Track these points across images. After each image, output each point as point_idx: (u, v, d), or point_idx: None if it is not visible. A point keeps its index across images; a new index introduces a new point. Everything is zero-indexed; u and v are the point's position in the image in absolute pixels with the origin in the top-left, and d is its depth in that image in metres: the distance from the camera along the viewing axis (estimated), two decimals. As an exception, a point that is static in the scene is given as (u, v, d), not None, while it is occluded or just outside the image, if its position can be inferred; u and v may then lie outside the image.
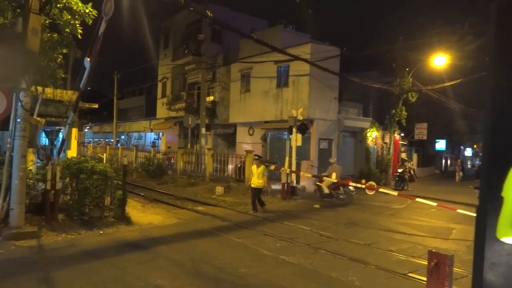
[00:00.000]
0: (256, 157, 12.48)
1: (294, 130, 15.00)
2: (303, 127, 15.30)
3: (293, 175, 14.95)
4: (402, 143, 25.73)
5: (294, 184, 15.20)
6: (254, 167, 12.02)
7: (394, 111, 21.73)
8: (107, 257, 6.62)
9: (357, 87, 22.43)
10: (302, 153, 17.28)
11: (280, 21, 21.81)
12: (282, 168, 14.46)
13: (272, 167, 15.53)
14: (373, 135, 22.19)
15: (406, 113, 21.92)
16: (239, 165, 17.46)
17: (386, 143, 22.84)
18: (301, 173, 15.26)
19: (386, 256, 7.42)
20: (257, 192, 11.84)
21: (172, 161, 21.92)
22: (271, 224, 10.08)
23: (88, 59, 8.01)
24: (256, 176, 11.79)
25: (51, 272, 5.79)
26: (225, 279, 5.74)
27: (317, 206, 13.25)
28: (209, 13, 13.91)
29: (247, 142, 20.87)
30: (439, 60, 19.51)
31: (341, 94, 19.45)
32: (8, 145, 7.67)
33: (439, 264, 3.00)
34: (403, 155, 24.36)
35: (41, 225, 8.03)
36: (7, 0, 7.52)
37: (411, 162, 25.57)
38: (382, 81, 21.99)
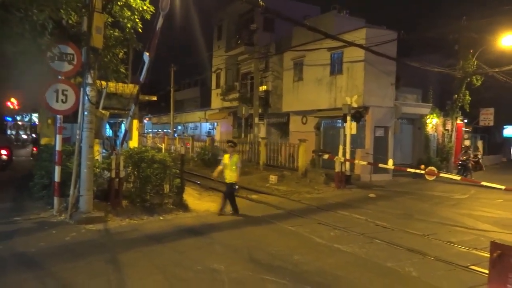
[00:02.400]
0: (230, 143, 10.11)
1: (348, 118, 14.70)
2: (358, 115, 14.94)
3: (348, 164, 14.70)
4: (465, 130, 24.27)
5: (349, 173, 14.93)
6: (226, 156, 9.59)
7: (456, 96, 20.51)
8: (167, 242, 6.98)
9: (416, 72, 21.39)
10: (357, 141, 16.91)
11: (334, 6, 21.32)
12: (336, 157, 14.27)
13: (326, 156, 15.39)
14: (433, 121, 21.16)
15: (470, 98, 20.61)
16: (292, 154, 17.48)
17: (447, 130, 21.68)
18: (356, 161, 14.95)
19: (446, 248, 7.14)
20: (230, 189, 9.50)
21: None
22: (325, 213, 10.04)
23: (147, 54, 8.39)
24: (228, 168, 9.41)
25: (117, 254, 6.22)
26: (279, 265, 5.84)
27: (372, 195, 12.97)
28: (261, 2, 13.91)
29: (300, 131, 20.77)
30: (508, 40, 18.05)
31: (399, 79, 18.69)
32: (77, 137, 8.28)
33: (502, 256, 2.86)
34: (467, 143, 22.98)
35: (107, 211, 8.61)
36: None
37: (479, 150, 24.14)
38: (443, 64, 20.78)
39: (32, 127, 38.53)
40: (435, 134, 21.63)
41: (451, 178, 11.67)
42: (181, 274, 5.37)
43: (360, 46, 15.60)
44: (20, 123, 41.64)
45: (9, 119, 39.02)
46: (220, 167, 9.66)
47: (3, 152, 12.17)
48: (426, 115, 20.61)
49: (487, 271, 3.58)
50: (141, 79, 8.71)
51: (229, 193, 9.47)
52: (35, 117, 37.31)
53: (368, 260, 6.27)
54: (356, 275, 5.55)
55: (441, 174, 11.02)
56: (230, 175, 9.36)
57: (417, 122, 20.67)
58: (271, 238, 7.51)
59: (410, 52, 23.23)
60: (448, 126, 21.60)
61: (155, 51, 8.51)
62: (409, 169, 12.34)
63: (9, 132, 35.32)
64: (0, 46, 6.77)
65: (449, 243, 7.40)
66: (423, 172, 10.99)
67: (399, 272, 5.73)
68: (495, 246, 2.97)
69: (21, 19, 6.66)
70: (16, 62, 7.73)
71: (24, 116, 42.88)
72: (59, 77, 8.07)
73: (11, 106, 33.01)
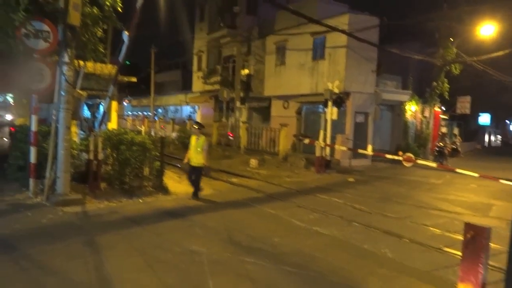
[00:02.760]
0: (195, 126, 9.40)
1: (329, 103, 14.80)
2: (339, 100, 15.05)
3: (328, 149, 14.85)
4: (442, 117, 24.80)
5: (329, 158, 15.10)
6: (192, 138, 9.12)
7: (435, 83, 20.87)
8: (146, 224, 6.94)
9: (397, 59, 21.53)
10: (338, 126, 17.05)
11: (317, -10, 21.13)
12: (317, 142, 14.39)
13: (307, 140, 15.50)
14: (412, 108, 21.50)
15: (448, 86, 21.00)
16: (273, 138, 17.53)
17: (425, 117, 22.10)
18: (336, 146, 15.12)
19: (421, 230, 7.34)
20: (195, 173, 9.09)
21: (231, 137, 21.36)
22: (305, 196, 10.15)
23: (127, 33, 8.18)
24: (193, 150, 8.97)
25: (95, 236, 6.16)
26: (259, 247, 5.90)
27: (351, 179, 13.18)
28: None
29: (282, 116, 20.80)
30: (487, 29, 18.38)
31: (380, 66, 18.81)
32: (53, 117, 8.06)
33: (475, 237, 2.96)
34: (443, 130, 23.51)
35: (85, 193, 8.49)
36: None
37: (458, 137, 24.72)
38: (424, 52, 21.02)
39: (7, 106, 37.35)
40: (414, 121, 22.02)
41: (427, 165, 11.94)
42: (160, 256, 5.37)
43: (342, 31, 15.59)
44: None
45: (-18, 99, 37.72)
46: (188, 152, 9.20)
47: None
48: (406, 102, 20.91)
49: (459, 253, 3.70)
50: (120, 59, 8.50)
51: (194, 176, 9.08)
52: (9, 97, 36.15)
53: (346, 242, 6.40)
54: (333, 256, 5.66)
55: (418, 161, 11.26)
56: (196, 158, 8.95)
57: (397, 108, 20.97)
58: (251, 221, 7.57)
59: (391, 39, 23.37)
60: (426, 113, 22.01)
61: (135, 31, 8.30)
62: (387, 155, 12.56)
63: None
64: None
65: (424, 226, 7.62)
66: (401, 158, 11.21)
67: (375, 254, 5.88)
68: (468, 227, 3.07)
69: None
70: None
71: (-2, 96, 41.48)
72: (34, 55, 7.80)
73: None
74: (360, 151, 13.69)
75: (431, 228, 7.47)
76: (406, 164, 10.74)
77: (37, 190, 8.26)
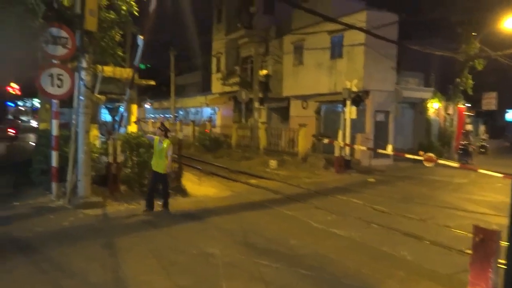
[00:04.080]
0: (160, 128, 8.17)
1: (348, 102, 14.61)
2: (358, 99, 14.82)
3: (347, 149, 14.65)
4: (467, 114, 24.09)
5: (348, 157, 14.90)
6: (155, 140, 8.05)
7: (458, 80, 20.29)
8: (164, 226, 7.01)
9: (418, 56, 21.04)
10: (357, 125, 16.80)
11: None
12: (336, 142, 14.21)
13: (326, 140, 15.33)
14: (434, 106, 20.97)
15: (472, 82, 20.37)
16: (292, 139, 17.43)
17: (449, 114, 21.50)
18: (355, 146, 14.89)
19: (443, 232, 7.14)
20: (159, 179, 7.97)
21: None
22: (323, 197, 10.04)
23: (142, 37, 8.28)
24: (157, 155, 7.93)
25: (114, 238, 6.26)
26: (274, 249, 5.86)
27: (372, 180, 12.96)
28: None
29: (301, 116, 20.67)
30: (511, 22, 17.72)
31: (400, 63, 18.46)
32: (73, 122, 8.23)
33: (485, 240, 2.83)
34: (468, 127, 22.84)
35: (105, 196, 8.64)
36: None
37: (485, 134, 23.99)
38: (446, 48, 20.45)
39: (33, 111, 38.55)
40: (437, 118, 21.46)
41: (449, 165, 11.61)
42: (176, 258, 5.39)
43: (360, 29, 15.35)
44: (22, 108, 41.59)
45: (11, 104, 39.02)
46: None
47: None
48: (428, 99, 20.42)
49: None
50: (135, 63, 8.61)
51: (159, 181, 8.02)
52: (36, 102, 37.28)
53: (364, 244, 6.28)
54: (350, 258, 5.56)
55: (440, 161, 10.94)
56: (157, 163, 7.86)
57: (419, 106, 20.51)
58: (268, 222, 7.53)
59: (412, 35, 22.89)
60: (450, 111, 21.41)
61: (150, 34, 8.40)
62: (407, 155, 12.27)
63: (10, 117, 35.33)
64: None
65: (446, 227, 7.40)
66: (421, 158, 10.92)
67: (394, 256, 5.75)
68: (477, 230, 2.93)
69: (11, 2, 6.56)
70: (12, 46, 7.63)
71: (25, 101, 42.84)
72: (54, 61, 7.98)
73: (12, 91, 32.95)
74: (380, 150, 13.42)
75: (454, 230, 7.25)
76: (427, 164, 10.45)
77: (59, 193, 8.46)
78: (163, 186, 8.10)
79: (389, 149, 12.81)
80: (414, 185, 12.37)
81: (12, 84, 30.75)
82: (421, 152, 11.53)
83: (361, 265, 5.31)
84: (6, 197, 8.73)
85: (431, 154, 10.66)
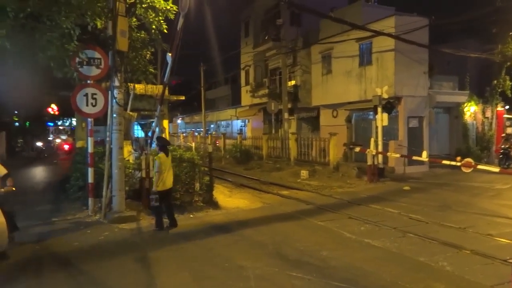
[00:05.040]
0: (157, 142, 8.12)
1: (379, 109, 14.34)
2: (389, 106, 14.54)
3: (380, 156, 14.33)
4: (507, 117, 23.04)
5: (382, 165, 14.55)
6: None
7: (495, 81, 19.52)
8: (196, 239, 7.06)
9: (452, 59, 20.49)
10: (390, 133, 16.44)
11: (361, -5, 20.76)
12: (368, 150, 13.94)
13: (357, 149, 15.08)
14: (471, 109, 20.21)
15: (510, 83, 19.54)
16: (323, 148, 17.24)
17: (487, 117, 20.66)
18: (388, 153, 14.54)
19: (484, 241, 6.80)
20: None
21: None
22: (356, 207, 9.83)
23: (170, 54, 8.49)
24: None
25: (148, 252, 6.36)
26: (306, 261, 5.77)
27: (407, 187, 12.58)
28: (285, -4, 13.78)
29: (331, 125, 20.45)
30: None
31: (432, 67, 17.96)
32: (107, 139, 8.51)
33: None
34: (509, 130, 21.80)
35: (139, 210, 8.83)
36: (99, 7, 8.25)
37: None
38: (481, 49, 19.79)
39: (72, 130, 40.15)
40: (474, 122, 20.66)
41: (489, 170, 11.10)
42: (208, 272, 5.41)
43: (389, 35, 15.14)
44: (61, 127, 43.42)
45: (51, 124, 40.87)
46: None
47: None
48: (464, 103, 19.73)
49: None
50: (165, 80, 8.83)
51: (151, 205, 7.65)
52: (74, 121, 38.85)
53: (399, 254, 6.08)
54: (385, 270, 5.38)
55: (479, 166, 10.50)
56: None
57: (454, 110, 19.83)
58: (300, 233, 7.43)
59: (445, 38, 22.31)
60: (488, 114, 20.58)
61: (178, 51, 8.60)
62: (444, 161, 11.84)
63: (51, 136, 36.92)
64: (32, 54, 7.05)
65: (488, 236, 7.05)
66: (458, 164, 10.51)
67: (432, 267, 5.52)
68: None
69: (49, 27, 6.91)
70: (49, 68, 8.01)
71: (64, 120, 44.70)
72: (88, 81, 8.31)
73: (52, 112, 34.52)
74: (415, 157, 13.03)
75: (496, 238, 6.90)
76: (465, 170, 10.05)
77: (95, 209, 8.73)
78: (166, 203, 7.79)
79: (424, 156, 12.44)
80: (452, 192, 11.90)
81: (53, 106, 32.23)
82: (458, 158, 11.12)
83: (397, 277, 5.13)
84: (46, 213, 9.12)
85: (469, 159, 10.27)
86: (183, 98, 15.34)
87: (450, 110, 19.86)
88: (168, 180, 7.68)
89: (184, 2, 7.88)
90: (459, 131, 19.85)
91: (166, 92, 10.87)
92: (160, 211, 7.70)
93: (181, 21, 8.13)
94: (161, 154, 7.63)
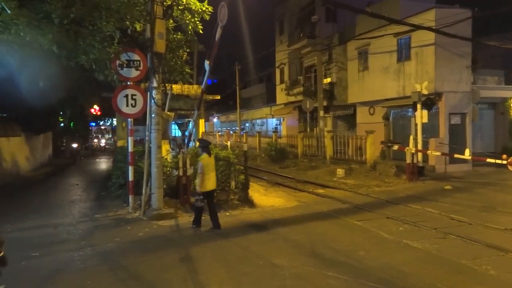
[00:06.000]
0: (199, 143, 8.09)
1: (418, 106, 13.91)
2: (429, 102, 14.08)
3: (420, 155, 13.90)
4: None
5: (421, 164, 14.11)
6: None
7: (546, 74, 18.43)
8: (232, 237, 7.15)
9: (497, 52, 19.52)
10: (431, 130, 15.91)
11: (399, -11, 20.15)
12: (407, 148, 13.56)
13: (395, 147, 14.71)
14: (518, 105, 19.20)
15: (562, 76, 18.40)
16: (359, 146, 16.94)
17: (536, 113, 19.54)
18: (428, 151, 14.08)
19: (532, 244, 6.46)
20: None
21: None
22: (395, 206, 9.60)
23: (208, 62, 8.65)
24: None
25: (185, 248, 6.52)
26: (342, 261, 5.71)
27: (448, 187, 12.13)
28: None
29: (368, 122, 20.05)
30: None
31: (476, 61, 17.21)
32: (146, 138, 8.78)
33: None
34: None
35: (177, 207, 9.07)
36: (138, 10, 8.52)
37: None
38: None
39: (113, 130, 41.63)
40: (522, 118, 19.62)
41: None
42: (243, 269, 5.47)
43: (428, 28, 14.63)
44: (102, 127, 45.16)
45: (93, 124, 42.63)
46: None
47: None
48: (510, 98, 18.77)
49: None
50: (203, 86, 9.00)
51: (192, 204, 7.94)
52: (115, 121, 40.27)
53: (440, 256, 5.88)
54: (424, 272, 5.23)
55: (528, 164, 9.98)
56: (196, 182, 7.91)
57: (500, 106, 18.92)
58: (336, 233, 7.36)
59: (490, 30, 21.28)
60: (537, 109, 19.47)
61: (215, 60, 8.75)
62: (488, 159, 11.31)
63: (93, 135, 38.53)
64: (76, 56, 7.39)
65: (536, 239, 6.70)
66: (504, 162, 10.02)
67: (475, 270, 5.31)
68: None
69: (92, 31, 7.22)
70: (92, 70, 8.37)
71: (105, 120, 46.44)
72: (128, 82, 8.61)
73: (94, 113, 35.96)
74: (457, 155, 12.54)
75: (546, 241, 6.54)
76: (512, 168, 9.58)
77: (135, 206, 9.04)
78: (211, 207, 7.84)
79: (467, 154, 11.96)
80: (497, 192, 11.36)
81: (95, 106, 33.56)
82: (504, 156, 10.61)
83: (436, 280, 4.97)
84: (90, 210, 9.54)
85: (516, 157, 9.77)
86: (218, 97, 15.54)
87: (495, 105, 18.97)
88: (211, 181, 7.60)
89: (222, 14, 8.00)
90: (505, 127, 18.92)
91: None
92: (200, 210, 7.75)
93: (219, 31, 8.26)
94: (204, 155, 7.56)
